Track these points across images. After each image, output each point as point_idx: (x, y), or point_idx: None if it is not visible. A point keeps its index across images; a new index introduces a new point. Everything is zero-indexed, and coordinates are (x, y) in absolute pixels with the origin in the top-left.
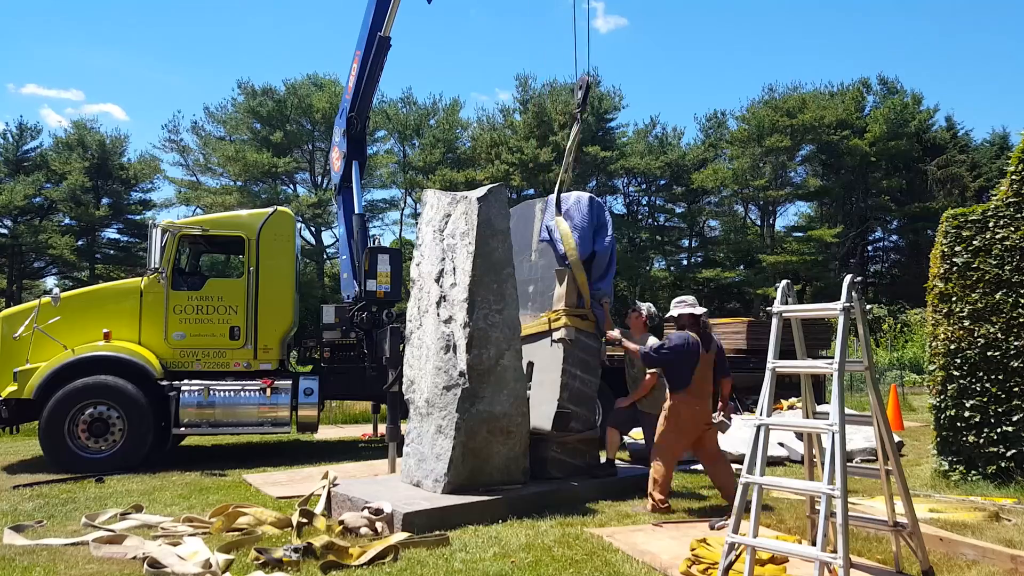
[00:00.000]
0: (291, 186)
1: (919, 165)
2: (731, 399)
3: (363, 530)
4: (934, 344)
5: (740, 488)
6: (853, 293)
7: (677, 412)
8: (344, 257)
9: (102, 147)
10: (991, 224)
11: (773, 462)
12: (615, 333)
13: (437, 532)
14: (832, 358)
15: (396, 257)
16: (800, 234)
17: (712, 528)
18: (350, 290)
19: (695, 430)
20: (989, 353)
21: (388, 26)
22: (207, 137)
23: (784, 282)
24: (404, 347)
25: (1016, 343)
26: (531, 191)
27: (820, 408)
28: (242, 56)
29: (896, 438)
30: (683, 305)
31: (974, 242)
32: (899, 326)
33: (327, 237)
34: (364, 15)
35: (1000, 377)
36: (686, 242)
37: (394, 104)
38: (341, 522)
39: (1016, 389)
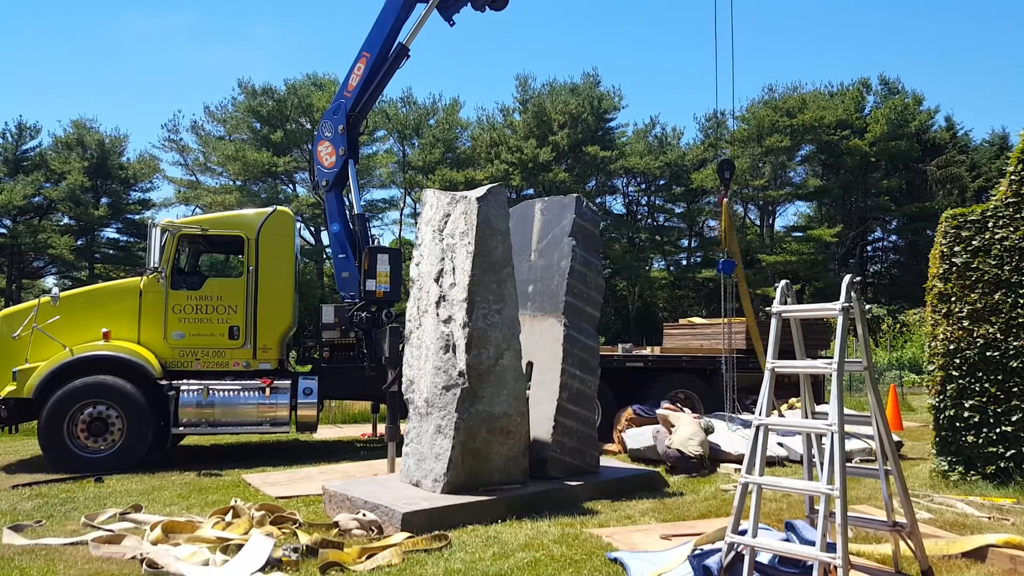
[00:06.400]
0: (291, 186)
1: (919, 165)
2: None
3: (355, 531)
4: (933, 344)
5: (739, 488)
6: (852, 293)
7: None
8: (342, 256)
9: (101, 147)
10: (990, 224)
11: (772, 462)
12: None
13: (437, 532)
14: (831, 358)
15: (395, 257)
16: (799, 234)
17: None
18: (352, 289)
19: None
20: (988, 353)
21: (411, 37)
22: (207, 136)
23: (783, 282)
24: (403, 347)
25: (1015, 343)
26: (531, 191)
27: (819, 408)
28: (243, 55)
29: (895, 438)
30: None
31: (973, 242)
32: (898, 326)
33: (327, 237)
34: (377, 18)
35: (999, 377)
36: (685, 242)
37: (394, 104)
38: (336, 523)
39: (1015, 389)
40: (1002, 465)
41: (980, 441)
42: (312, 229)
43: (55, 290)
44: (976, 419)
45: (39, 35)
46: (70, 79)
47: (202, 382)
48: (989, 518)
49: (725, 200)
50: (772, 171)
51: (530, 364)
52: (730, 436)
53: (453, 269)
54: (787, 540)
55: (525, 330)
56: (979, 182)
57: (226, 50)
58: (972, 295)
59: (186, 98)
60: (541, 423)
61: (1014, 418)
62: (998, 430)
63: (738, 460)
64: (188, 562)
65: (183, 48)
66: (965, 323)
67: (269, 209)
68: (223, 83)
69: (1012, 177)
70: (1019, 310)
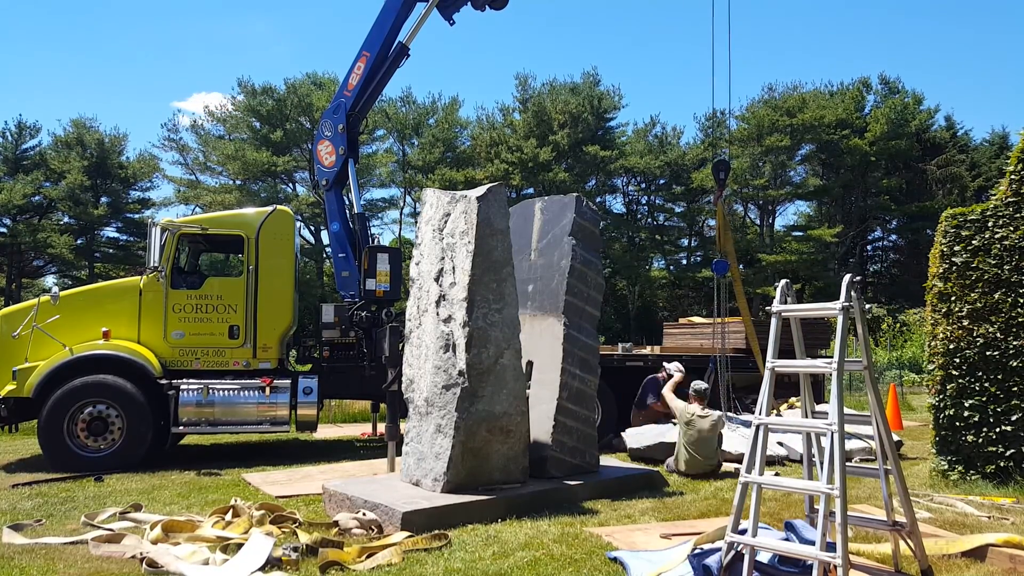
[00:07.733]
0: (290, 185)
1: (919, 165)
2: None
3: (355, 531)
4: (933, 344)
5: (739, 487)
6: (852, 292)
7: None
8: (342, 255)
9: (101, 146)
10: (990, 224)
11: (772, 461)
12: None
13: (436, 531)
14: (831, 357)
15: (396, 256)
16: (799, 233)
17: None
18: (352, 288)
19: None
20: (988, 353)
21: (411, 37)
22: (206, 136)
23: (783, 281)
24: (403, 346)
25: (1015, 343)
26: (530, 190)
27: (819, 407)
28: (243, 54)
29: (895, 437)
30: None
31: (973, 242)
32: (898, 326)
33: (327, 236)
34: (377, 17)
35: (999, 377)
36: (685, 242)
37: (393, 103)
38: (336, 522)
39: (1015, 389)
40: (1002, 464)
41: (980, 440)
42: (312, 228)
43: (55, 289)
44: (976, 418)
45: (40, 18)
46: (70, 78)
47: (202, 381)
48: (989, 517)
49: (720, 201)
50: (772, 170)
51: (530, 363)
52: (730, 436)
53: (453, 268)
54: (787, 539)
55: (525, 329)
56: (979, 182)
57: (233, 28)
58: (972, 294)
59: (188, 85)
60: (541, 422)
61: (1014, 417)
62: (998, 429)
63: (738, 459)
64: (188, 561)
65: (189, 24)
66: (965, 322)
67: (269, 208)
68: (227, 71)
69: (1012, 176)
70: (1019, 310)
